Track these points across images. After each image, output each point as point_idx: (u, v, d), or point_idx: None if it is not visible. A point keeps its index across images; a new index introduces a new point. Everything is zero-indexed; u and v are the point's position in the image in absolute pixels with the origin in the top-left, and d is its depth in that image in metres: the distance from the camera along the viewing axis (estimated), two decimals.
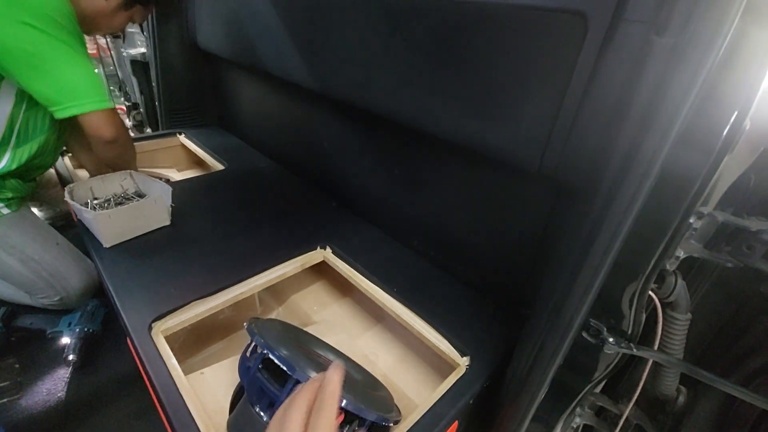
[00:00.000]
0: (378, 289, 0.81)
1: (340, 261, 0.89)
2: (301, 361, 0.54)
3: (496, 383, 0.65)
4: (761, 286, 0.47)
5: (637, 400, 0.61)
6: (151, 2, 1.03)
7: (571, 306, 0.49)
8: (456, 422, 0.63)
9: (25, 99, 0.86)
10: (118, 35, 1.22)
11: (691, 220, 0.44)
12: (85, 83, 0.83)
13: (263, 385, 0.55)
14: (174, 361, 0.62)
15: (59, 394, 0.81)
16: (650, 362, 0.56)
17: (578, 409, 0.63)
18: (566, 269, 0.49)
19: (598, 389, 0.64)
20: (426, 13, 0.65)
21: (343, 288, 1.01)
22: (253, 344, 0.60)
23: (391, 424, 0.57)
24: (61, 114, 0.83)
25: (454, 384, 0.63)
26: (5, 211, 0.94)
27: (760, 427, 0.49)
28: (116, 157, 0.98)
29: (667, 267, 0.47)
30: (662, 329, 0.53)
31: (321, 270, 1.00)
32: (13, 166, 0.92)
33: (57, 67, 0.79)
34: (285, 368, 0.53)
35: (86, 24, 0.92)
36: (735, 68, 0.37)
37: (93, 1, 0.89)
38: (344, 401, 0.52)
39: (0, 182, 0.93)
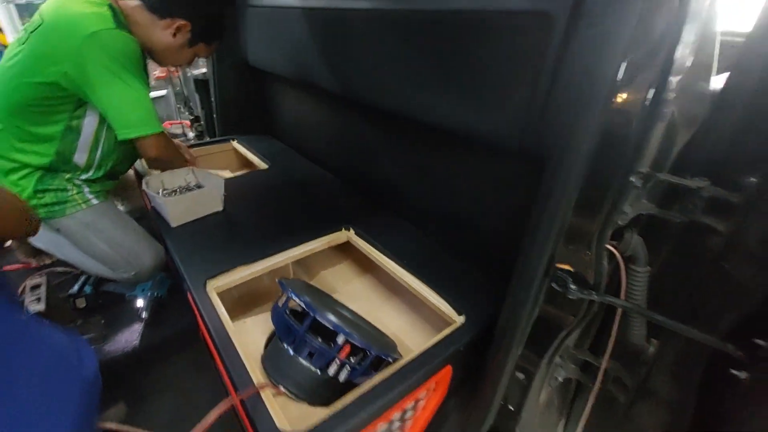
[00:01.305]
0: (391, 262, 0.93)
1: (361, 240, 1.02)
2: (319, 305, 0.68)
3: (486, 337, 0.74)
4: (706, 239, 0.53)
5: (616, 354, 0.68)
6: (213, 40, 1.20)
7: (535, 257, 0.58)
8: (450, 366, 0.73)
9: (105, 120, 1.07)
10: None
11: (632, 179, 0.52)
12: (136, 114, 1.00)
13: (289, 324, 0.69)
14: (223, 309, 0.78)
15: (134, 343, 1.01)
16: (619, 313, 0.63)
17: (559, 360, 0.70)
18: (531, 227, 0.58)
19: (579, 343, 0.71)
20: (425, 24, 0.78)
21: (364, 267, 1.14)
22: (283, 295, 0.75)
23: (390, 360, 0.68)
24: (120, 137, 1.01)
25: (448, 335, 0.73)
26: (95, 201, 1.16)
27: (713, 366, 0.54)
28: (160, 169, 1.18)
29: (620, 223, 0.55)
30: (626, 281, 0.60)
31: (345, 251, 1.14)
32: (99, 174, 1.14)
33: (116, 99, 0.96)
34: (305, 307, 0.66)
35: (157, 57, 1.13)
36: (644, 52, 0.45)
37: (162, 39, 1.08)
38: (352, 338, 0.64)
39: (91, 183, 1.16)
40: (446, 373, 0.74)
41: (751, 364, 0.49)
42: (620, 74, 0.45)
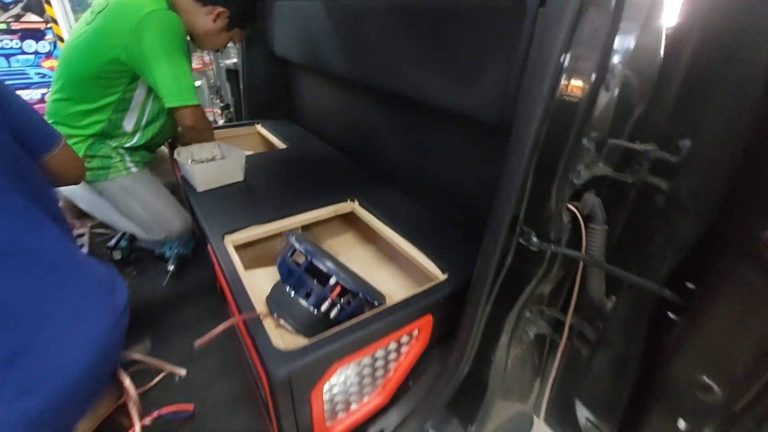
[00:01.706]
0: (388, 229, 1.02)
1: (364, 210, 1.12)
2: (318, 252, 0.78)
3: (465, 293, 0.82)
4: (653, 197, 0.59)
5: (580, 312, 0.75)
6: (247, 26, 1.36)
7: (500, 214, 0.66)
8: (430, 315, 0.81)
9: (152, 92, 1.22)
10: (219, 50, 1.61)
11: (584, 141, 0.59)
12: (180, 86, 1.14)
13: (290, 267, 0.79)
14: (237, 258, 0.90)
15: (160, 292, 1.16)
16: (579, 267, 0.70)
17: (529, 314, 0.77)
18: (498, 188, 0.66)
19: (551, 302, 0.78)
20: (421, 12, 0.87)
21: (366, 238, 1.24)
22: (288, 245, 0.85)
23: (376, 304, 0.77)
24: (166, 105, 1.15)
25: (431, 287, 0.82)
26: (134, 169, 1.32)
27: (657, 316, 0.60)
28: (193, 138, 1.33)
29: (576, 182, 0.62)
30: (586, 238, 0.67)
31: (350, 222, 1.24)
32: (142, 141, 1.30)
33: (164, 72, 1.11)
34: (303, 251, 0.77)
35: (197, 40, 1.28)
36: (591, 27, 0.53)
37: (204, 24, 1.23)
38: (343, 281, 0.74)
39: (133, 151, 1.32)
40: (427, 321, 0.82)
41: (684, 307, 0.55)
42: (565, 54, 0.53)
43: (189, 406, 0.87)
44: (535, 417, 0.97)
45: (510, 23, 0.70)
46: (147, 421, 0.81)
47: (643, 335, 0.63)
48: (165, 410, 0.84)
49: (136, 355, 0.94)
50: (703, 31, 0.49)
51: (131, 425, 0.79)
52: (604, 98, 0.57)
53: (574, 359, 0.80)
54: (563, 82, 0.56)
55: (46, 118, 1.18)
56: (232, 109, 2.48)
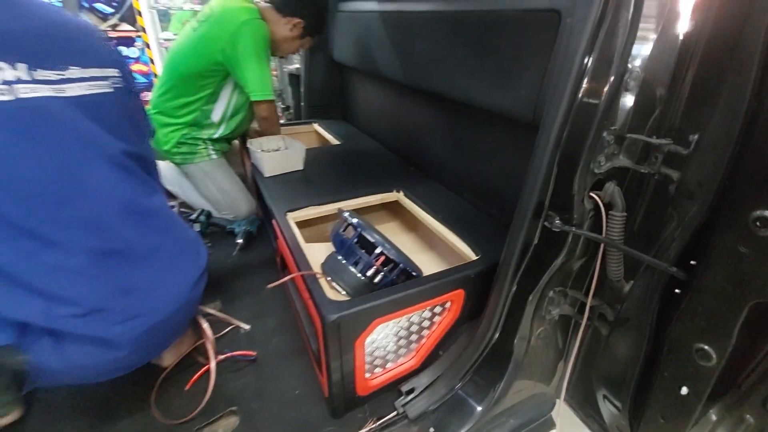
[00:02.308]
0: (428, 216, 1.14)
1: (408, 200, 1.24)
2: (366, 226, 0.91)
3: (494, 273, 0.91)
4: (668, 186, 0.66)
5: (601, 295, 0.82)
6: (316, 34, 1.55)
7: (526, 200, 0.75)
8: (462, 290, 0.92)
9: (237, 87, 1.44)
10: (285, 57, 1.84)
11: (604, 135, 0.67)
12: (263, 83, 1.36)
13: (342, 238, 0.93)
14: (297, 230, 1.05)
15: (230, 262, 1.35)
16: (600, 250, 0.77)
17: (553, 294, 0.85)
18: (526, 177, 0.76)
19: (575, 285, 0.85)
20: (465, 21, 0.98)
21: (409, 227, 1.36)
22: (341, 219, 0.99)
23: (414, 274, 0.89)
24: (252, 98, 1.37)
25: (463, 264, 0.93)
26: (214, 156, 1.54)
27: (668, 295, 0.66)
28: (265, 129, 1.53)
29: (597, 171, 0.71)
30: (606, 224, 0.75)
31: (394, 212, 1.36)
32: (226, 133, 1.52)
33: (252, 71, 1.33)
34: (354, 225, 0.90)
35: (274, 46, 1.48)
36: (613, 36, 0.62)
37: (282, 32, 1.44)
38: (387, 251, 0.87)
39: (215, 142, 1.54)
40: (459, 295, 0.93)
41: (688, 282, 0.62)
42: (588, 58, 0.62)
43: (253, 353, 1.03)
44: (557, 401, 1.03)
45: (546, 31, 0.80)
46: (220, 358, 0.98)
47: (655, 313, 0.70)
48: (234, 353, 1.01)
49: (210, 310, 1.13)
50: (710, 39, 0.56)
51: (207, 361, 0.96)
52: (623, 97, 0.65)
53: (594, 339, 0.87)
54: (585, 83, 0.65)
55: (148, 109, 1.43)
56: (291, 111, 2.72)
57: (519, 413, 0.97)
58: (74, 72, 0.66)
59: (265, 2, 1.46)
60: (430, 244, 1.26)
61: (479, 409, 0.89)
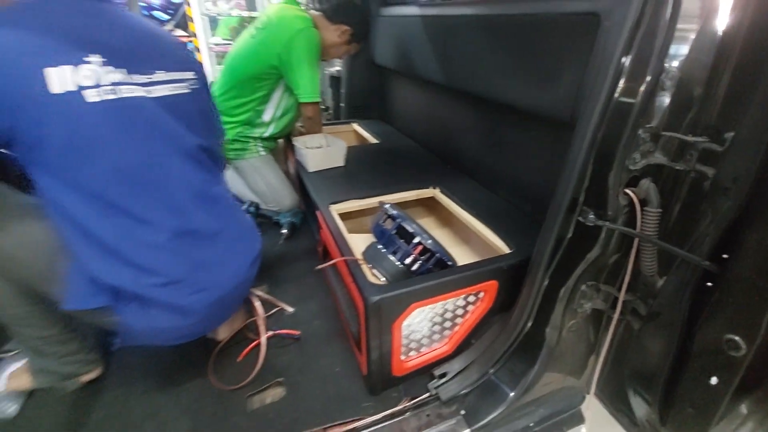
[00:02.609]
0: (465, 212, 1.19)
1: (444, 196, 1.29)
2: (406, 218, 0.98)
3: (526, 266, 0.95)
4: (703, 183, 0.68)
5: (634, 289, 0.84)
6: (360, 41, 1.65)
7: (561, 195, 0.79)
8: (495, 281, 0.96)
9: (287, 90, 1.55)
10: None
11: (639, 133, 0.70)
12: (312, 87, 1.47)
13: (383, 228, 1.00)
14: (340, 220, 1.13)
15: (276, 250, 1.46)
16: (634, 246, 0.79)
17: (585, 288, 0.88)
18: (562, 173, 0.79)
19: (608, 280, 0.88)
20: (506, 25, 1.03)
21: (444, 222, 1.41)
22: (382, 211, 1.06)
23: (450, 264, 0.95)
24: (300, 100, 1.49)
25: (497, 256, 0.97)
26: (263, 153, 1.65)
27: (700, 288, 0.68)
28: (309, 128, 1.64)
29: (631, 168, 0.73)
30: (640, 219, 0.77)
31: (430, 208, 1.42)
32: (275, 132, 1.64)
33: (303, 75, 1.44)
34: (394, 215, 0.97)
35: (323, 51, 1.58)
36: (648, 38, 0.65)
37: (331, 38, 1.54)
38: (424, 241, 0.93)
39: (264, 140, 1.65)
40: (492, 286, 0.97)
41: (719, 275, 0.64)
42: (625, 58, 0.66)
43: (297, 332, 1.12)
44: (587, 395, 1.05)
45: (585, 34, 0.83)
46: (269, 334, 1.07)
47: (687, 307, 0.72)
48: (281, 331, 1.10)
49: (259, 292, 1.23)
50: (747, 38, 0.59)
51: (258, 337, 1.06)
52: (659, 96, 0.68)
53: (626, 334, 0.89)
54: (622, 83, 0.68)
55: None
56: (330, 111, 2.83)
57: (548, 404, 1.00)
58: (160, 75, 0.77)
59: (317, 10, 1.58)
60: (465, 239, 1.31)
61: (511, 394, 0.93)
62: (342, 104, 2.34)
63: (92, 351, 0.94)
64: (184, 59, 0.84)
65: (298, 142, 1.54)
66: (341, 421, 0.90)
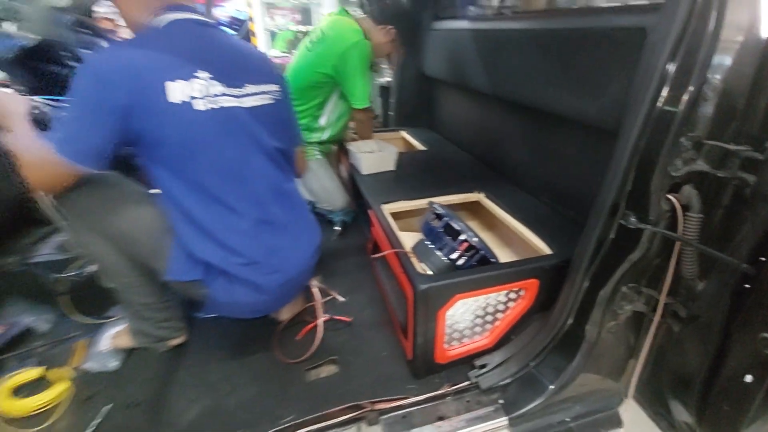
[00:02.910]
0: (508, 216, 1.25)
1: (488, 201, 1.36)
2: (454, 217, 1.06)
3: (567, 267, 1.00)
4: (744, 190, 0.71)
5: (674, 293, 0.87)
6: (404, 43, 1.78)
7: (604, 197, 0.84)
8: (536, 280, 1.02)
9: (342, 97, 1.69)
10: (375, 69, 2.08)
11: (681, 140, 0.74)
12: (364, 94, 1.62)
13: (431, 226, 1.09)
14: (392, 220, 1.24)
15: (329, 246, 1.60)
16: (675, 249, 0.83)
17: (626, 290, 0.91)
18: (604, 178, 0.85)
19: (649, 284, 0.91)
20: (555, 38, 1.09)
21: (489, 226, 1.47)
22: (430, 210, 1.15)
23: (493, 261, 1.02)
24: (353, 106, 1.64)
25: (538, 256, 1.03)
26: (319, 156, 1.80)
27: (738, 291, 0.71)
28: (361, 131, 1.78)
29: (673, 174, 0.77)
30: (682, 224, 0.80)
31: (475, 211, 1.49)
32: (330, 136, 1.79)
33: (356, 84, 1.59)
34: (442, 213, 1.06)
35: (373, 50, 1.72)
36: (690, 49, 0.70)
37: (378, 37, 1.68)
38: (470, 238, 1.01)
39: (320, 144, 1.81)
40: (533, 284, 1.03)
41: (756, 277, 0.67)
42: (669, 69, 0.71)
43: (349, 318, 1.23)
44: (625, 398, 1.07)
45: (631, 46, 0.88)
46: (325, 318, 1.19)
47: (726, 308, 0.74)
48: (335, 316, 1.22)
49: (315, 282, 1.36)
50: None
51: (315, 319, 1.19)
52: (702, 106, 0.72)
53: (667, 338, 0.91)
54: (665, 92, 0.73)
55: None
56: (380, 119, 2.98)
57: (585, 402, 1.04)
58: (249, 88, 0.92)
59: (364, 13, 1.76)
60: (508, 242, 1.37)
61: (550, 387, 0.97)
62: (391, 113, 2.47)
63: (180, 320, 1.11)
64: (269, 74, 0.99)
65: (353, 146, 1.68)
66: (387, 398, 0.99)
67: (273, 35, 4.34)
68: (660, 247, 0.86)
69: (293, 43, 4.13)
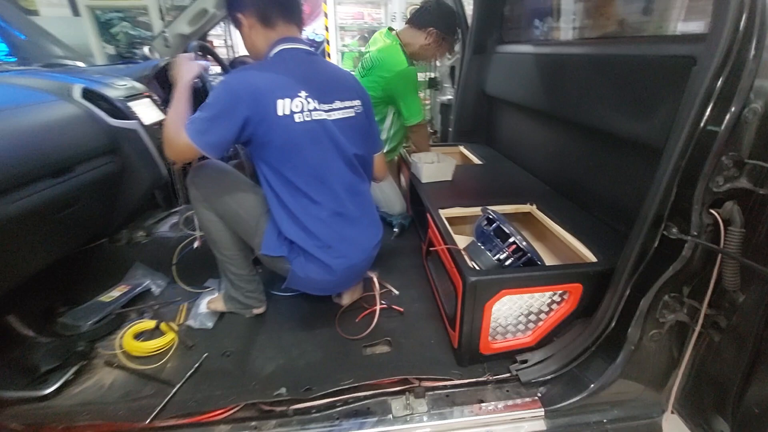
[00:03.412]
0: (558, 227, 1.33)
1: (540, 212, 1.45)
2: (504, 221, 1.18)
3: (610, 275, 1.06)
4: None
5: (716, 305, 0.91)
6: (449, 38, 1.91)
7: (648, 209, 0.92)
8: (580, 285, 1.10)
9: (394, 114, 1.88)
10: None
11: (723, 159, 0.81)
12: (416, 111, 1.82)
13: (483, 229, 1.21)
14: (447, 224, 1.37)
15: (387, 246, 1.76)
16: (717, 262, 0.87)
17: (668, 298, 0.96)
18: (648, 192, 0.92)
19: (692, 295, 0.95)
20: (612, 64, 1.18)
21: (540, 236, 1.55)
22: (483, 214, 1.27)
23: (539, 263, 1.11)
24: (407, 123, 1.84)
25: (583, 262, 1.11)
26: None
27: None
28: (416, 143, 1.97)
29: (715, 190, 0.83)
30: (723, 238, 0.85)
31: (527, 222, 1.57)
32: (390, 147, 1.98)
33: (407, 103, 1.79)
34: (494, 217, 1.18)
35: (419, 56, 1.90)
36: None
37: (420, 42, 1.85)
38: (518, 241, 1.12)
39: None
40: (577, 288, 1.11)
41: None
42: (712, 91, 0.79)
43: (401, 309, 1.38)
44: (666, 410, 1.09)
45: (681, 71, 0.96)
46: (382, 304, 1.35)
47: (763, 320, 0.78)
48: (391, 305, 1.38)
49: (373, 274, 1.52)
50: None
51: (373, 305, 1.35)
52: (743, 127, 0.78)
53: (708, 351, 0.94)
54: (707, 113, 0.81)
55: None
56: (438, 135, 3.14)
57: (624, 407, 1.08)
58: (337, 104, 1.12)
59: (405, 24, 1.92)
60: (557, 251, 1.44)
61: (590, 386, 1.03)
62: (450, 129, 2.61)
63: (262, 293, 1.33)
64: (354, 91, 1.18)
65: (415, 157, 1.85)
66: (434, 377, 1.11)
67: (342, 54, 4.72)
68: (703, 259, 0.91)
69: (358, 60, 4.46)
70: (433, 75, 3.18)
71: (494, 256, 1.16)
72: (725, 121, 0.79)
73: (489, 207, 1.44)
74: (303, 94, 1.04)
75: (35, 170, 0.97)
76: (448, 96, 2.92)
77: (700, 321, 0.93)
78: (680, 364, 1.02)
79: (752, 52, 0.76)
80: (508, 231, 1.14)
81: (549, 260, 1.39)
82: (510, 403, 1.08)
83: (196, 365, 1.15)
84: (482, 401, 1.08)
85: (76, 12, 3.67)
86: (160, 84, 1.65)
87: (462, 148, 2.35)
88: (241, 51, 3.43)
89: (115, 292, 1.41)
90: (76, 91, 1.21)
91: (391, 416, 1.03)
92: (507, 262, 1.14)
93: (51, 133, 1.04)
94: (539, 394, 1.09)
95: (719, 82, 0.79)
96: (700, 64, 0.89)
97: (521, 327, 1.17)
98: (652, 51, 1.06)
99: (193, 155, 1.02)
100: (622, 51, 1.17)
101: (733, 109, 0.78)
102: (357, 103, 1.17)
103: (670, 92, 0.99)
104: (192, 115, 1.01)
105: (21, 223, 0.95)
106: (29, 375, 1.12)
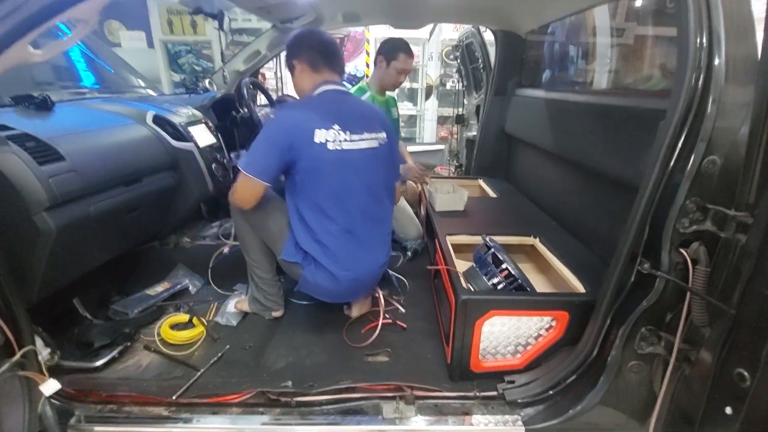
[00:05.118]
0: (556, 260, 1.42)
1: (542, 245, 1.55)
2: (500, 249, 1.29)
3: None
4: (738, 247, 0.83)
5: (690, 340, 0.97)
6: (393, 58, 2.00)
7: (623, 245, 1.01)
8: (567, 313, 1.18)
9: None
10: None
11: (687, 203, 0.90)
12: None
13: (480, 255, 1.33)
14: (452, 249, 1.50)
15: (400, 267, 1.90)
16: (687, 299, 0.94)
17: (645, 331, 1.03)
18: (623, 232, 1.02)
19: (667, 329, 1.01)
20: (605, 112, 1.30)
21: (541, 269, 1.63)
22: (483, 242, 1.39)
23: (528, 289, 1.21)
24: None
25: (570, 292, 1.20)
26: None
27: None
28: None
29: (681, 231, 0.92)
30: (692, 276, 0.93)
31: (530, 254, 1.67)
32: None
33: None
34: (490, 245, 1.30)
35: (384, 85, 2.08)
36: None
37: (378, 74, 2.06)
38: (510, 268, 1.23)
39: None
40: (563, 316, 1.19)
41: (736, 319, 0.78)
42: (677, 142, 0.90)
43: (404, 325, 1.50)
44: None
45: (655, 122, 1.07)
46: (386, 319, 1.48)
47: (725, 353, 0.84)
48: (395, 320, 1.50)
49: (383, 292, 1.66)
50: None
51: (377, 320, 1.48)
52: (704, 177, 0.88)
53: (685, 384, 0.99)
54: (672, 162, 0.91)
55: None
56: (463, 168, 3.28)
57: None
58: (365, 136, 1.31)
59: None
60: (554, 283, 1.52)
61: (571, 411, 1.10)
62: (473, 163, 2.76)
63: (281, 298, 1.51)
64: (380, 124, 1.37)
65: (431, 187, 2.00)
66: (425, 387, 1.21)
67: None
68: (676, 295, 0.98)
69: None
70: (460, 111, 3.36)
71: (489, 280, 1.27)
72: (687, 170, 0.89)
73: (492, 236, 1.57)
74: (336, 126, 1.24)
75: (115, 179, 1.22)
76: (474, 132, 3.08)
77: (674, 354, 0.99)
78: (659, 396, 1.07)
79: (709, 108, 0.86)
80: (501, 258, 1.26)
81: (545, 290, 1.48)
82: (493, 419, 1.15)
83: (219, 355, 1.32)
84: (467, 414, 1.16)
85: (150, 44, 4.24)
86: (215, 113, 1.94)
87: (481, 182, 2.48)
88: (287, 80, 3.84)
89: (159, 288, 1.63)
90: (149, 116, 1.49)
91: (381, 417, 1.14)
92: (499, 286, 1.25)
93: (128, 149, 1.30)
94: (522, 413, 1.17)
95: (683, 134, 0.90)
96: (667, 116, 1.00)
97: (511, 349, 1.25)
98: (636, 103, 1.18)
99: (252, 190, 1.22)
100: (613, 102, 1.29)
101: (692, 158, 0.88)
102: (382, 135, 1.36)
103: (649, 141, 1.10)
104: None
105: (98, 222, 1.19)
106: (84, 349, 1.34)
